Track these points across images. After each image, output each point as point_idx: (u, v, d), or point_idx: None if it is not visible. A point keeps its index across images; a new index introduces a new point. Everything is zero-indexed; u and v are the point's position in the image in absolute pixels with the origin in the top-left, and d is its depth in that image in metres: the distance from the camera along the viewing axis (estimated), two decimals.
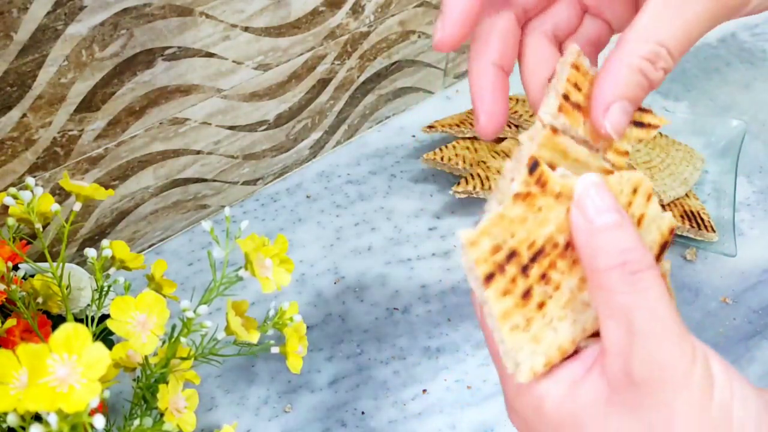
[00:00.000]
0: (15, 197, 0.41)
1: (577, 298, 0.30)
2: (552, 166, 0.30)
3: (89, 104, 0.57)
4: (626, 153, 0.33)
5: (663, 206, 0.71)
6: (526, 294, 0.29)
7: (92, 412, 0.30)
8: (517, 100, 0.80)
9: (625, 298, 0.27)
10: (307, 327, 0.63)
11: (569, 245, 0.30)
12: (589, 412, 0.28)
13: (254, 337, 0.42)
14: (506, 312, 0.29)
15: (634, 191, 0.31)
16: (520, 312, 0.29)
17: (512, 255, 0.29)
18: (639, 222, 0.31)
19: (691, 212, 0.71)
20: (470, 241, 0.29)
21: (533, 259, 0.29)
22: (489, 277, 0.29)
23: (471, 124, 0.77)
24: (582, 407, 0.28)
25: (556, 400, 0.29)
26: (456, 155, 0.74)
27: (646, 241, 0.31)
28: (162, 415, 0.39)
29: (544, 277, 0.29)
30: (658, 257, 0.32)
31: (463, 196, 0.71)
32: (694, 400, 0.26)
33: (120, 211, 0.66)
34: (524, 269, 0.29)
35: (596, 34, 0.35)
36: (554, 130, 0.30)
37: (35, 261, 0.44)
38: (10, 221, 0.42)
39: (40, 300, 0.45)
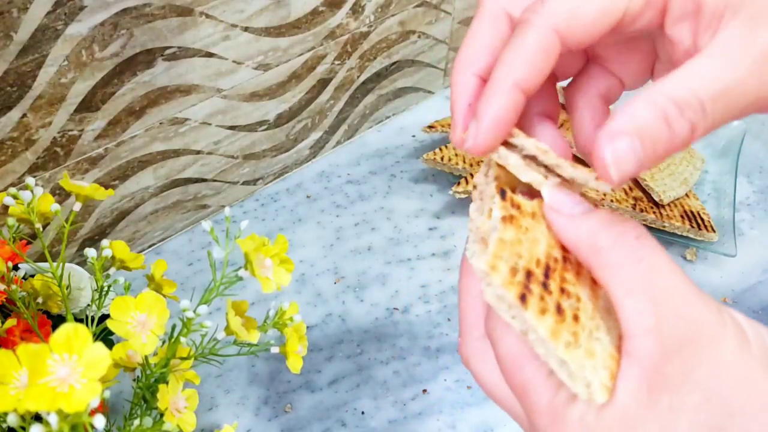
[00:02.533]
0: (15, 197, 0.41)
1: (598, 306, 0.28)
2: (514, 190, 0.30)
3: (89, 104, 0.57)
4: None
5: (660, 206, 0.71)
6: (559, 309, 0.27)
7: (92, 412, 0.30)
8: None
9: (637, 266, 0.26)
10: (307, 327, 0.63)
11: (565, 258, 0.29)
12: (632, 412, 0.26)
13: (254, 337, 0.42)
14: (554, 330, 0.26)
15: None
16: (563, 328, 0.27)
17: (529, 274, 0.27)
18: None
19: (691, 212, 0.71)
20: (490, 265, 0.27)
21: (546, 275, 0.28)
22: (522, 299, 0.26)
23: None
24: (623, 411, 0.26)
25: (590, 420, 0.26)
26: (456, 155, 0.74)
27: None
28: (162, 415, 0.39)
29: (563, 291, 0.28)
30: None
31: (463, 196, 0.71)
32: (733, 346, 0.25)
33: (120, 211, 0.66)
34: (545, 286, 0.27)
35: (605, 87, 0.33)
36: (500, 167, 0.30)
37: (35, 261, 0.44)
38: (10, 221, 0.42)
39: (40, 300, 0.45)
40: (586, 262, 0.27)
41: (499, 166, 0.29)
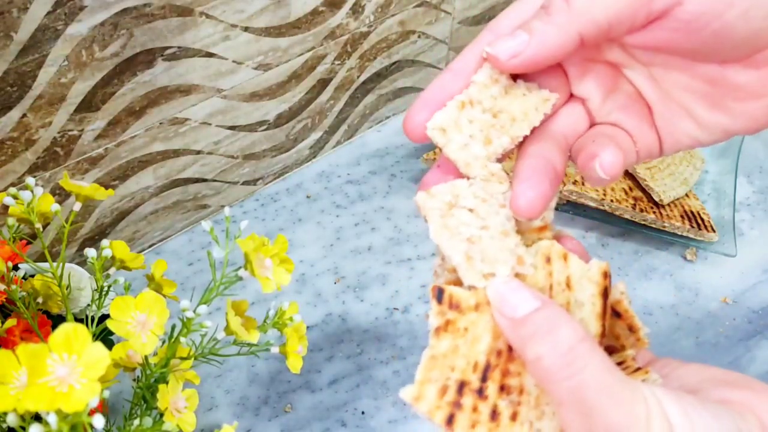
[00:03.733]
0: (15, 197, 0.41)
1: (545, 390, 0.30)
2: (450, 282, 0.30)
3: (89, 104, 0.57)
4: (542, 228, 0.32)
5: (661, 206, 0.71)
6: (494, 415, 0.28)
7: (92, 412, 0.30)
8: None
9: (567, 383, 0.27)
10: (307, 327, 0.63)
11: (511, 347, 0.29)
12: None
13: (254, 337, 0.42)
14: None
15: (548, 260, 0.30)
16: None
17: (462, 386, 0.28)
18: (568, 285, 0.30)
19: (691, 212, 0.71)
20: (414, 397, 0.28)
21: (484, 378, 0.28)
22: (449, 420, 0.28)
23: None
24: None
25: None
26: None
27: (583, 297, 0.30)
28: (162, 415, 0.39)
29: (503, 388, 0.29)
30: (605, 307, 0.31)
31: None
32: None
33: (120, 211, 0.66)
34: (480, 393, 0.28)
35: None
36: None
37: (35, 261, 0.43)
38: (10, 221, 0.42)
39: (40, 300, 0.45)
40: (528, 366, 0.28)
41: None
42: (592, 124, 0.34)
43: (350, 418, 0.59)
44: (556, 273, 0.30)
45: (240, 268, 0.41)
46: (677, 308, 0.67)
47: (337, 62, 0.73)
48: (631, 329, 0.32)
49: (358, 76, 0.77)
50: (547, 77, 0.32)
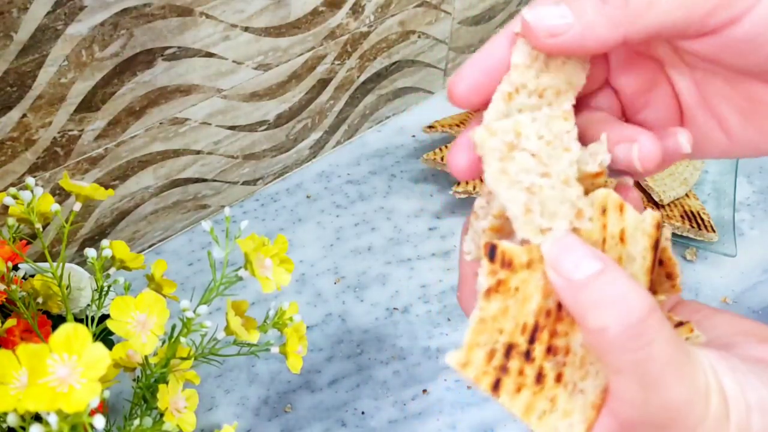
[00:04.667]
0: (15, 197, 0.41)
1: (590, 350, 0.28)
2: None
3: (89, 104, 0.57)
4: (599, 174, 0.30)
5: (661, 206, 0.71)
6: (539, 378, 0.27)
7: (92, 412, 0.30)
8: None
9: (632, 355, 0.25)
10: (307, 327, 0.63)
11: (560, 305, 0.27)
12: None
13: (254, 337, 0.42)
14: (527, 407, 0.27)
15: (603, 211, 0.28)
16: (541, 396, 0.27)
17: (509, 350, 0.27)
18: (621, 238, 0.28)
19: (691, 212, 0.71)
20: (461, 363, 0.26)
21: (531, 340, 0.27)
22: (495, 386, 0.27)
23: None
24: None
25: None
26: None
27: (635, 251, 0.28)
28: (162, 415, 0.39)
29: (550, 350, 0.27)
30: (654, 259, 0.29)
31: (463, 196, 0.71)
32: (712, 429, 0.26)
33: (120, 211, 0.66)
34: (527, 355, 0.27)
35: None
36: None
37: (35, 261, 0.43)
38: (10, 221, 0.42)
39: (40, 300, 0.45)
40: (585, 334, 0.27)
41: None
42: (622, 116, 0.32)
43: (350, 419, 0.59)
44: (611, 225, 0.28)
45: (240, 268, 0.41)
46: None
47: (337, 62, 0.73)
48: (669, 276, 0.31)
49: (358, 76, 0.77)
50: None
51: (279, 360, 0.62)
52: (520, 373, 0.27)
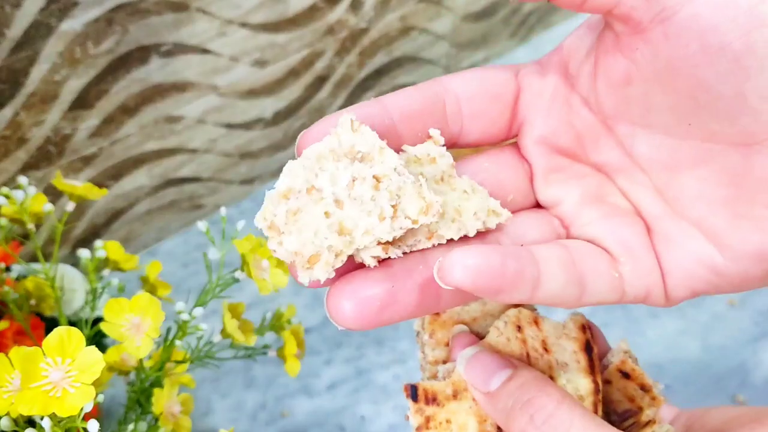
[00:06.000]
0: (7, 197, 0.41)
1: None
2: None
3: (83, 102, 0.56)
4: None
5: None
6: None
7: (86, 417, 0.30)
8: None
9: None
10: (305, 330, 0.63)
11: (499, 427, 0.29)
12: None
13: (251, 340, 0.42)
14: None
15: (518, 328, 0.30)
16: None
17: None
18: (545, 348, 0.30)
19: None
20: None
21: None
22: None
23: None
24: None
25: None
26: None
27: (565, 356, 0.30)
28: (157, 420, 0.39)
29: None
30: (591, 361, 0.30)
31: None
32: None
33: (114, 211, 0.66)
34: None
35: None
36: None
37: (28, 262, 0.43)
38: (2, 221, 0.42)
39: (32, 302, 0.45)
40: None
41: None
42: (567, 236, 0.26)
43: (349, 423, 0.58)
44: (530, 339, 0.30)
45: (236, 269, 0.41)
46: (683, 311, 0.66)
47: (336, 59, 0.73)
48: (644, 388, 0.32)
49: (358, 73, 0.77)
50: (505, 169, 0.27)
51: (276, 363, 0.62)
52: None
